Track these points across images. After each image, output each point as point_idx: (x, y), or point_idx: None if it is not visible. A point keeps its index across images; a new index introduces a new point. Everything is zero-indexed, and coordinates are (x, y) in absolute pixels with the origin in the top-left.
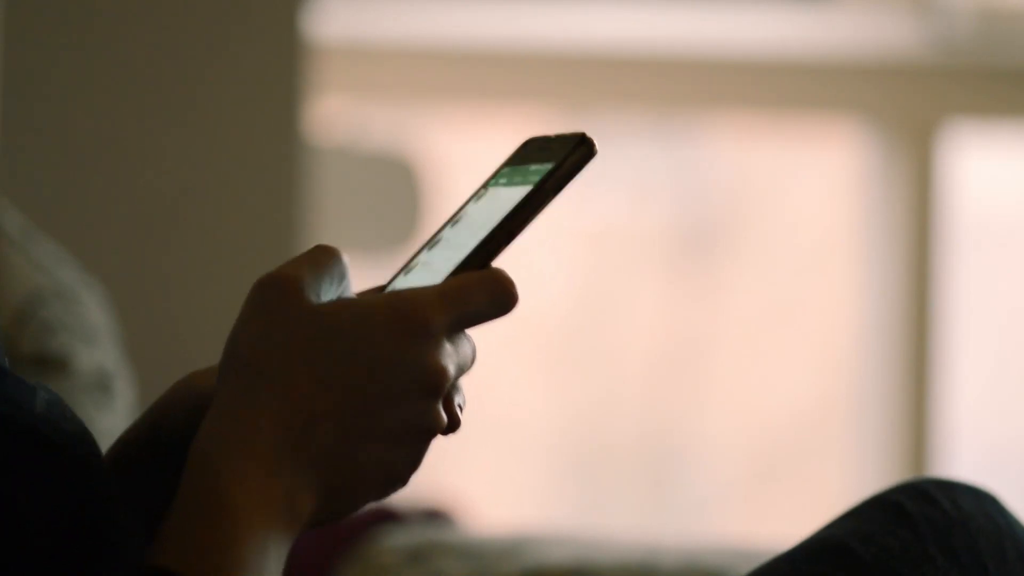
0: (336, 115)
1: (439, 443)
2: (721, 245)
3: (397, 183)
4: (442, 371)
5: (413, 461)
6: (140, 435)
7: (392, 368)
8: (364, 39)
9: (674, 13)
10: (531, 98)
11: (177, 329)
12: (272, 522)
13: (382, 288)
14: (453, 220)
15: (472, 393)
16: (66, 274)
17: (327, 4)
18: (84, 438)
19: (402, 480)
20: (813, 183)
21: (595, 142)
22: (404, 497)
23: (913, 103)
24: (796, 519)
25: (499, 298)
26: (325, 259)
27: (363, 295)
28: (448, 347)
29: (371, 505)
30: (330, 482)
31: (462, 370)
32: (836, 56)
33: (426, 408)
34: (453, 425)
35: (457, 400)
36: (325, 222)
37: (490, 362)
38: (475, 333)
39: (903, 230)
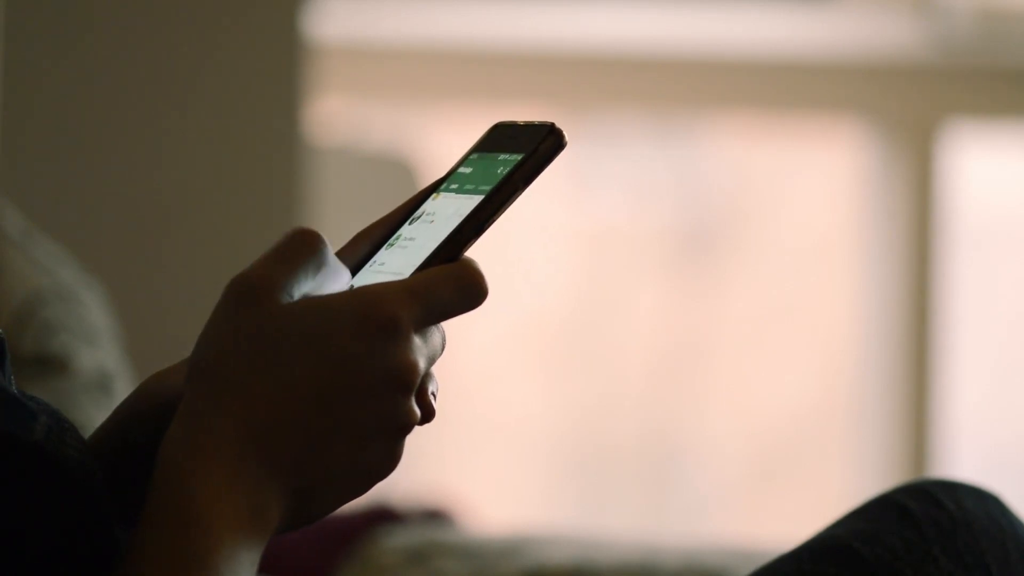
0: (336, 115)
1: (439, 444)
2: (721, 245)
3: (397, 183)
4: (412, 367)
5: (389, 457)
6: (112, 439)
7: (359, 367)
8: (364, 39)
9: (674, 13)
10: (531, 98)
11: (177, 329)
12: (240, 530)
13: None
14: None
15: (473, 394)
16: (66, 274)
17: (327, 4)
18: (85, 463)
19: (379, 477)
20: (813, 183)
21: (564, 133)
22: (404, 497)
23: (913, 103)
24: (796, 519)
25: (468, 291)
26: (301, 251)
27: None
28: (417, 341)
29: (369, 505)
30: (299, 486)
31: (432, 361)
32: (836, 56)
33: (398, 405)
34: (428, 416)
35: (431, 389)
36: (325, 222)
37: (491, 362)
38: (472, 332)
39: (903, 230)
